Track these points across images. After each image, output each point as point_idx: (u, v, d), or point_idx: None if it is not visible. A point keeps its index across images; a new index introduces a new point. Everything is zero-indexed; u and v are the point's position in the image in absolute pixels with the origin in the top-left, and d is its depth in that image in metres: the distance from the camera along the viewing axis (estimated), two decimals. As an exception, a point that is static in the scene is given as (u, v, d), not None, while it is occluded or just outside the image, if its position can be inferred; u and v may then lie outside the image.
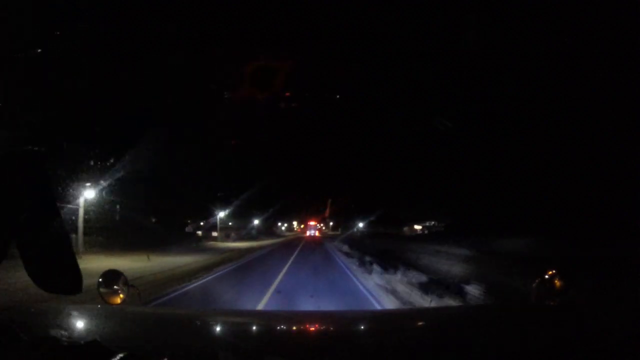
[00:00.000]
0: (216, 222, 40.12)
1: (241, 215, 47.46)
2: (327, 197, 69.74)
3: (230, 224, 47.46)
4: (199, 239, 33.50)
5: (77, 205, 15.44)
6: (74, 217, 15.28)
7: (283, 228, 78.87)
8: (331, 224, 78.97)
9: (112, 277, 1.76)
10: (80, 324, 1.36)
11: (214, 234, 38.76)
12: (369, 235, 40.46)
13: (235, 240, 38.54)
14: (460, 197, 25.32)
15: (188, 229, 35.90)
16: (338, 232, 64.72)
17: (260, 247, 26.52)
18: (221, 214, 38.86)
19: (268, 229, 61.45)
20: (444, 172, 26.95)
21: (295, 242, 34.15)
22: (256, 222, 52.96)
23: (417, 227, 43.74)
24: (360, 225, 52.58)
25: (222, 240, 35.74)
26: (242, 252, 20.56)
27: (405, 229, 45.92)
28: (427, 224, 43.54)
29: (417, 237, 34.38)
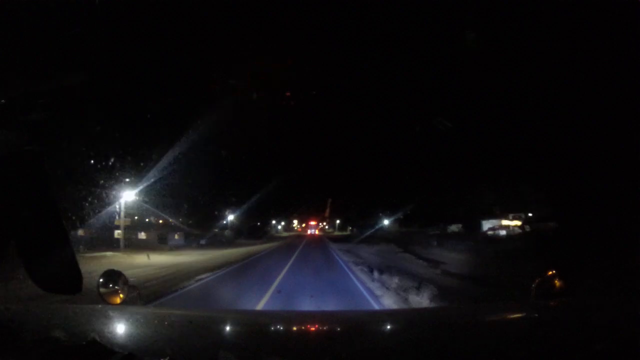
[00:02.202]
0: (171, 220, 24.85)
1: (214, 211, 31.27)
2: (328, 196, 70.05)
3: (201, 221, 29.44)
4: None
5: None
6: None
7: (279, 227, 69.78)
8: (338, 222, 73.99)
9: (112, 277, 1.77)
10: (80, 324, 1.36)
11: (142, 234, 24.02)
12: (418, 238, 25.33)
13: (177, 247, 24.19)
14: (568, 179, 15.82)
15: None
16: (347, 233, 55.91)
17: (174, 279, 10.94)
18: (131, 195, 20.32)
19: (257, 229, 45.70)
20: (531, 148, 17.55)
21: (282, 260, 16.27)
22: (230, 217, 35.06)
23: (508, 222, 27.12)
24: (386, 222, 41.01)
25: (133, 252, 19.64)
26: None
27: (454, 227, 31.92)
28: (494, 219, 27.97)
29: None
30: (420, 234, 29.85)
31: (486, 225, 28.40)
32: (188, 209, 27.57)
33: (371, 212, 44.14)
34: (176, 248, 24.48)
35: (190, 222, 30.16)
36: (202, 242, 28.96)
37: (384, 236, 32.58)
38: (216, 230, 33.56)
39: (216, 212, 33.57)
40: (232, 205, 34.02)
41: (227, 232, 34.19)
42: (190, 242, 27.98)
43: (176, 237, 27.41)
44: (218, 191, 30.44)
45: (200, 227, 30.61)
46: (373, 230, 38.39)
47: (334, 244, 30.99)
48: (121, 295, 1.73)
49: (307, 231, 71.82)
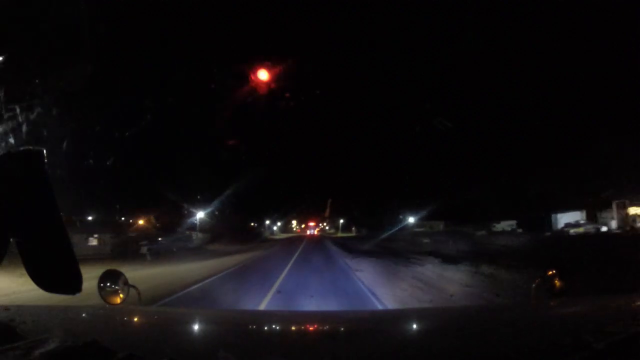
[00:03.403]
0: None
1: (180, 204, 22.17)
2: (328, 196, 70.38)
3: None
4: None
5: None
6: None
7: (275, 228, 66.33)
8: (341, 221, 70.51)
9: (112, 277, 1.77)
10: (80, 324, 1.36)
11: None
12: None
13: (87, 260, 11.51)
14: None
15: None
16: (353, 234, 51.10)
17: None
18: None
19: (249, 231, 39.79)
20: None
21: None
22: (200, 215, 24.89)
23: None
24: (411, 220, 35.14)
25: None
26: None
27: (504, 225, 24.70)
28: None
29: None
30: (478, 236, 22.12)
31: (562, 219, 20.75)
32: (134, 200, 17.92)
33: (383, 210, 38.31)
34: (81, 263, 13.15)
35: (157, 224, 22.64)
36: (144, 250, 17.86)
37: (410, 238, 22.77)
38: (187, 232, 25.01)
39: (185, 209, 23.66)
40: (206, 202, 24.31)
41: (195, 235, 23.92)
42: (123, 250, 17.18)
43: (94, 242, 17.49)
44: (190, 182, 21.94)
45: (166, 229, 22.21)
46: (394, 229, 30.13)
47: (355, 263, 14.39)
48: (121, 295, 1.73)
49: (306, 232, 73.24)
